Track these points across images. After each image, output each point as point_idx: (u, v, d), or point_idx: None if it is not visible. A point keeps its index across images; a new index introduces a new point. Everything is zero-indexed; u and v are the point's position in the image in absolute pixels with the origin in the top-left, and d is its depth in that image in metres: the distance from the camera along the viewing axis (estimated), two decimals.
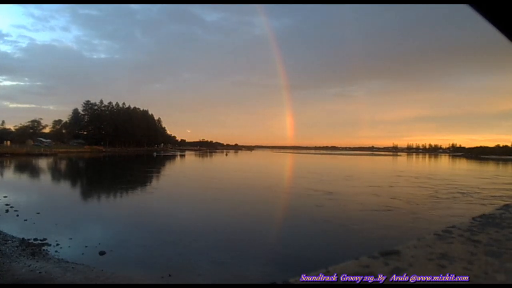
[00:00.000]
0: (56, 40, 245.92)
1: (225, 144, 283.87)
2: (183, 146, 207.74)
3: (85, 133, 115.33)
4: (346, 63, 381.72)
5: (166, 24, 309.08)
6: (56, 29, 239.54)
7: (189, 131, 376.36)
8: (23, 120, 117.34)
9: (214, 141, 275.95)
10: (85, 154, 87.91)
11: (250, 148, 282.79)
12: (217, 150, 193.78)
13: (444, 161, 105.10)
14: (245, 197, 24.46)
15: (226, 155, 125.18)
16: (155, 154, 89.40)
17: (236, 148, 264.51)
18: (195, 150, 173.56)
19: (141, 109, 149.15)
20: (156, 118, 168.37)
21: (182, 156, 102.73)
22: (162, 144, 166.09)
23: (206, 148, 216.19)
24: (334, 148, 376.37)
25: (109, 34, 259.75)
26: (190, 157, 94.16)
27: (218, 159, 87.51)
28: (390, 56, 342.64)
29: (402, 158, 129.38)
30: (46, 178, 39.71)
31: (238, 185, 32.08)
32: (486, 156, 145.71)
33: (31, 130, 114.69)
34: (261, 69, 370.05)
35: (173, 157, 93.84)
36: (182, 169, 57.71)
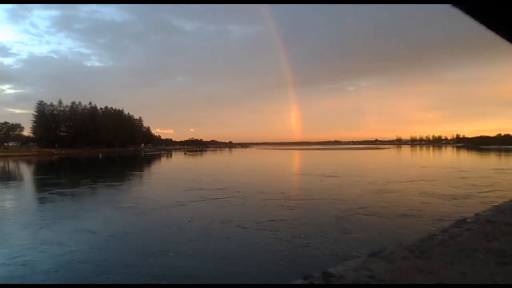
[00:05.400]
0: (53, 52, 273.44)
1: (219, 141, 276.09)
2: (171, 145, 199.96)
3: (32, 135, 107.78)
4: (346, 58, 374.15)
5: (151, 35, 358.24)
6: (51, 43, 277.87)
7: (172, 129, 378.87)
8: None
9: (210, 140, 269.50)
10: (33, 158, 79.40)
11: (244, 145, 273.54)
12: (207, 149, 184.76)
13: (434, 153, 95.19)
14: None
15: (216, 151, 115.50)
16: (100, 156, 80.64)
17: (230, 145, 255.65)
18: (184, 149, 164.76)
19: (116, 108, 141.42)
20: (137, 117, 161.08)
21: (156, 156, 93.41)
22: (143, 144, 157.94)
23: (196, 146, 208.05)
24: (337, 142, 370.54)
25: (101, 45, 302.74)
26: (161, 158, 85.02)
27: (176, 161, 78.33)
28: (393, 50, 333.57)
29: (398, 151, 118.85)
30: None
31: None
32: (486, 147, 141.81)
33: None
34: (250, 69, 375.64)
35: (138, 157, 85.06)
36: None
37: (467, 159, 62.92)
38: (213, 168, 44.76)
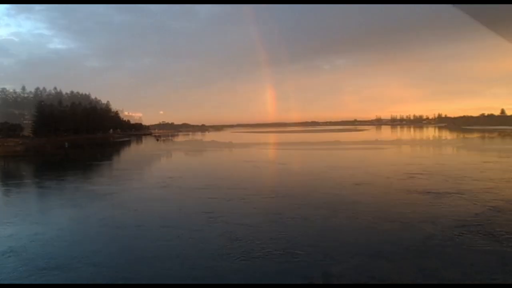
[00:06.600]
0: (13, 34, 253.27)
1: (191, 124, 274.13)
2: (141, 129, 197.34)
3: None
4: (320, 35, 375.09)
5: (115, 16, 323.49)
6: (11, 26, 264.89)
7: (141, 113, 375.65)
8: None
9: (181, 123, 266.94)
10: None
11: (218, 128, 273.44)
12: (179, 133, 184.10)
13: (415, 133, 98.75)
14: None
15: (158, 139, 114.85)
16: (66, 144, 79.73)
17: (203, 129, 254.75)
18: (155, 134, 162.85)
19: (82, 93, 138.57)
20: (105, 102, 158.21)
21: (125, 142, 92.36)
22: (111, 130, 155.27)
23: (167, 130, 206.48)
24: (314, 123, 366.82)
25: (64, 27, 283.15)
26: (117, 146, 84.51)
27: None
28: (368, 28, 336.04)
29: (374, 132, 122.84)
30: None
31: None
32: (469, 127, 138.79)
33: None
34: (220, 48, 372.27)
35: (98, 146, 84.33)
36: None
37: (437, 141, 63.42)
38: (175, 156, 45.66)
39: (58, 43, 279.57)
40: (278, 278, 7.12)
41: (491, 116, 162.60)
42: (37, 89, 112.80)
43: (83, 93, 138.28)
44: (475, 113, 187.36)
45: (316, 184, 18.69)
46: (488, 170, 22.03)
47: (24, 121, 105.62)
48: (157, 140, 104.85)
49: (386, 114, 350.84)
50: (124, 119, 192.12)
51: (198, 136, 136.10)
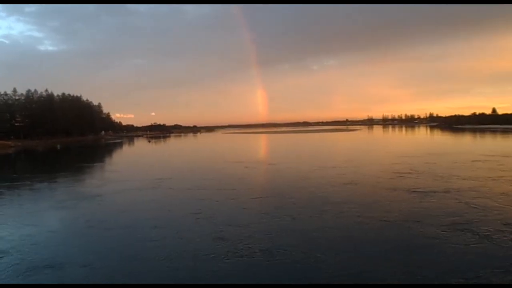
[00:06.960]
0: (4, 37, 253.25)
1: (183, 126, 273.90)
2: (132, 131, 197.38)
3: None
4: (309, 36, 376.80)
5: (104, 17, 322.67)
6: (2, 28, 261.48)
7: (133, 114, 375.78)
8: None
9: (173, 124, 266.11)
10: None
11: (209, 129, 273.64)
12: (170, 134, 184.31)
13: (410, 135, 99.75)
14: None
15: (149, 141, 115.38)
16: (58, 146, 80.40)
17: (195, 130, 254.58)
18: (147, 136, 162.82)
19: (73, 95, 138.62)
20: (96, 103, 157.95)
21: (117, 144, 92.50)
22: (103, 132, 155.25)
23: (159, 131, 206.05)
24: (306, 123, 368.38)
25: (54, 28, 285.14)
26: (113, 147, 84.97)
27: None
28: (361, 28, 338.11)
29: (365, 132, 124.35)
30: None
31: None
32: (461, 126, 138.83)
33: None
34: (211, 49, 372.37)
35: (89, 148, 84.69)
36: None
37: (427, 141, 64.05)
38: (167, 157, 46.47)
39: (48, 44, 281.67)
40: (267, 277, 7.27)
41: (482, 115, 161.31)
42: (28, 91, 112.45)
43: (75, 94, 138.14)
44: (467, 112, 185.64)
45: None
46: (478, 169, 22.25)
47: (16, 123, 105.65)
48: (149, 141, 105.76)
49: (377, 114, 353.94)
50: (116, 120, 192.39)
51: (190, 137, 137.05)
